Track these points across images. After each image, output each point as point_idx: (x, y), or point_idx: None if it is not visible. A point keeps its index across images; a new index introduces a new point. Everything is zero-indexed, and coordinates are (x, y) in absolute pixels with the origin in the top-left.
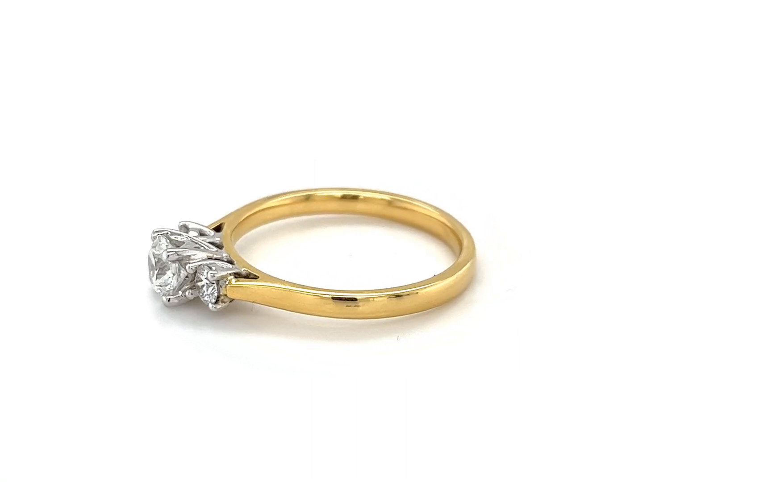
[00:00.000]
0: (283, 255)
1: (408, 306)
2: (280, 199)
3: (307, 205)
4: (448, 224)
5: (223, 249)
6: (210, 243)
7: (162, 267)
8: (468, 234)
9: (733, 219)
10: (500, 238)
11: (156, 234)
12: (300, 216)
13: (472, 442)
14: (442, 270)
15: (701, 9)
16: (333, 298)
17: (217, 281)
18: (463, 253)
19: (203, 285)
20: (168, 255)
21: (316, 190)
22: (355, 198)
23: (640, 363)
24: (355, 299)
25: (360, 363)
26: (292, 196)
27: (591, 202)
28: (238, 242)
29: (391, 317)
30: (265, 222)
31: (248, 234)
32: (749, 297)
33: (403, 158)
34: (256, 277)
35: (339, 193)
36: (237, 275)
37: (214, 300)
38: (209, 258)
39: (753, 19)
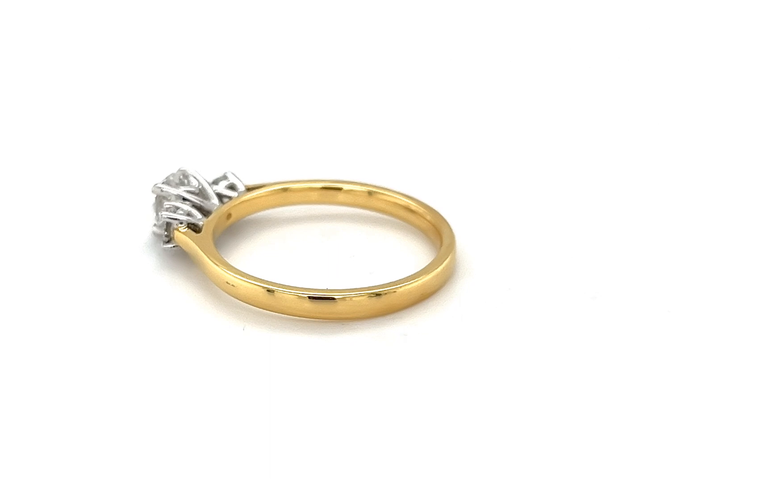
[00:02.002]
0: (264, 254)
1: (387, 304)
2: (259, 191)
3: (286, 196)
4: (429, 217)
5: (229, 204)
6: (224, 196)
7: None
8: (449, 227)
9: (730, 221)
10: (490, 233)
11: (179, 171)
12: (280, 207)
13: (457, 439)
14: (423, 265)
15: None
16: (310, 298)
17: (167, 223)
18: (443, 248)
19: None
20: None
21: (295, 181)
22: (336, 189)
23: (632, 361)
24: (333, 298)
25: (340, 359)
26: (272, 187)
27: (588, 201)
28: (225, 233)
29: (370, 317)
30: (248, 214)
31: (234, 224)
32: (747, 299)
33: (407, 156)
34: (198, 232)
35: (320, 185)
36: (193, 227)
37: (165, 241)
38: (192, 205)
39: (752, 18)
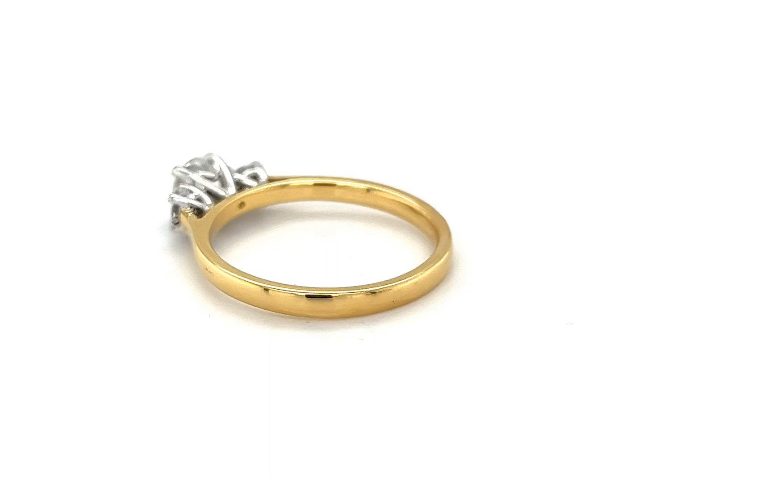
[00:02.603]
0: (260, 251)
1: (383, 302)
2: (256, 187)
3: (283, 192)
4: (428, 215)
5: (240, 193)
6: (244, 184)
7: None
8: (447, 225)
9: (715, 252)
10: (487, 232)
11: (206, 155)
12: (276, 204)
13: (450, 437)
14: (420, 263)
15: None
16: (307, 296)
17: (175, 206)
18: (440, 246)
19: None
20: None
21: (292, 177)
22: (330, 186)
23: (627, 360)
24: (330, 297)
25: (331, 357)
26: (269, 184)
27: (584, 201)
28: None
29: (366, 315)
30: (260, 205)
31: (248, 214)
32: (726, 329)
33: (409, 153)
34: (199, 217)
35: (312, 181)
36: (198, 211)
37: (174, 223)
38: (206, 191)
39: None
